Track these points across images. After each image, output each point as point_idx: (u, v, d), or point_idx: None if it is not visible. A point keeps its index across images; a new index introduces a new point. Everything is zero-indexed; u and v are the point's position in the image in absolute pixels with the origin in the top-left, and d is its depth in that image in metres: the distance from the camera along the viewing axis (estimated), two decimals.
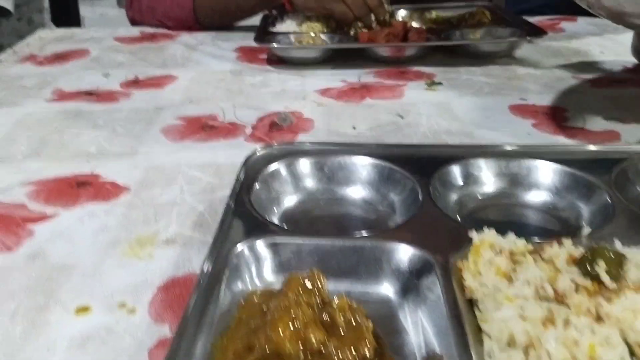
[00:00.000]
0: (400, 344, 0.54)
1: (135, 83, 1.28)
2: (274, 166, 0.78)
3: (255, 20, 1.62)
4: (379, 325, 0.55)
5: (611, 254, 0.54)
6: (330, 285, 0.58)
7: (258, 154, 0.80)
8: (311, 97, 1.19)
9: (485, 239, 0.59)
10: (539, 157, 0.78)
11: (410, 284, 0.60)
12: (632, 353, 0.45)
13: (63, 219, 0.77)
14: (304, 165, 0.79)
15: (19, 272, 0.67)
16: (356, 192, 0.78)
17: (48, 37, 1.66)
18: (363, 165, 0.79)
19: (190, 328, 0.50)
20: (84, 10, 2.72)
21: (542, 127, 1.02)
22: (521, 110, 1.10)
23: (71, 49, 1.53)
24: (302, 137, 1.02)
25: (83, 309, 0.61)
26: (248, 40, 1.45)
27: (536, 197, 0.76)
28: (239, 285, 0.59)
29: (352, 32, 1.42)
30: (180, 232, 0.74)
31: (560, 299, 0.52)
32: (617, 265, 0.54)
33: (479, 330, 0.52)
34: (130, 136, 1.02)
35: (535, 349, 0.47)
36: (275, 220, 0.72)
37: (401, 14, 1.59)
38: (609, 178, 0.73)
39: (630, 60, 1.33)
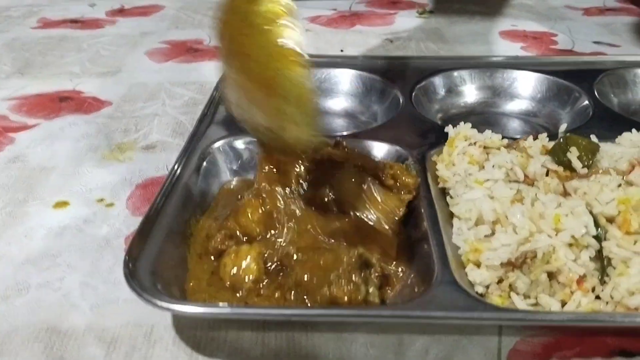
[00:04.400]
0: None
1: (121, 12, 1.26)
2: None
3: None
4: None
5: (584, 141, 0.54)
6: None
7: None
8: (300, 22, 1.17)
9: (460, 131, 0.59)
10: (522, 68, 0.77)
11: None
12: (596, 223, 0.45)
13: (44, 128, 0.77)
14: None
15: None
16: (339, 103, 0.78)
17: None
18: (346, 76, 0.79)
19: (165, 206, 0.50)
20: None
21: (531, 49, 1.01)
22: (511, 35, 1.08)
23: None
24: None
25: (61, 204, 0.62)
26: None
27: (517, 105, 0.76)
28: (217, 178, 0.60)
29: None
30: (160, 139, 0.74)
31: (530, 182, 0.52)
32: (589, 152, 0.54)
33: (451, 218, 0.53)
34: (114, 58, 1.01)
35: (502, 224, 0.48)
36: None
37: None
38: (590, 85, 0.73)
39: None
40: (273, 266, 0.46)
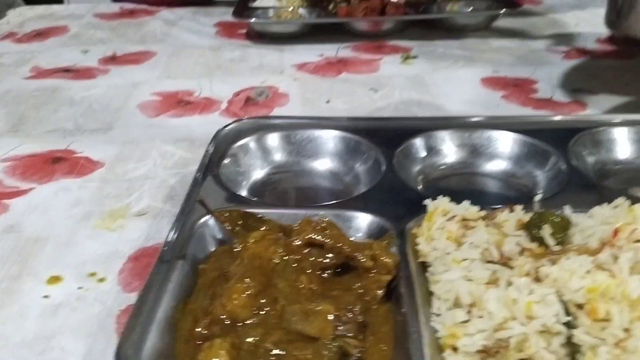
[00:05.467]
0: None
1: (113, 59, 1.29)
2: (243, 140, 0.80)
3: None
4: None
5: (557, 218, 0.57)
6: None
7: (228, 128, 0.82)
8: (288, 71, 1.20)
9: (439, 205, 0.61)
10: (500, 128, 0.80)
11: None
12: (566, 311, 0.48)
13: (38, 194, 0.79)
14: (273, 139, 0.81)
15: None
16: (323, 164, 0.81)
17: (28, 15, 1.65)
18: (330, 138, 0.81)
19: (152, 294, 0.52)
20: None
21: (511, 99, 1.04)
22: (492, 82, 1.11)
23: (50, 26, 1.53)
24: (276, 112, 1.03)
25: (55, 279, 0.64)
26: (228, 15, 1.46)
27: (496, 166, 0.78)
28: (204, 251, 0.62)
29: (331, 7, 1.42)
30: (151, 204, 0.76)
31: (505, 261, 0.54)
32: (562, 229, 0.57)
33: (430, 295, 0.55)
34: (107, 112, 1.03)
35: (478, 307, 0.50)
36: (244, 193, 0.74)
37: None
38: (566, 147, 0.75)
39: (604, 31, 1.34)
40: None
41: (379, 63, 1.23)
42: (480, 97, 1.05)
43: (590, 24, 1.43)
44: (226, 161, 0.76)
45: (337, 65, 1.22)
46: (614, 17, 1.16)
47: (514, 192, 0.74)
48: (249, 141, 0.80)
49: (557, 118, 0.84)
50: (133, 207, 0.76)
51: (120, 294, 0.61)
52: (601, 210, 0.59)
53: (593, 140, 0.78)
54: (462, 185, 0.76)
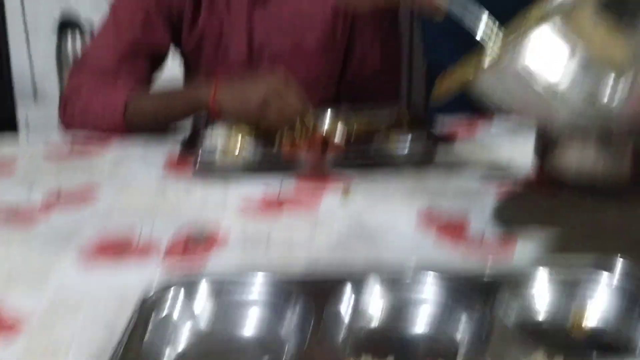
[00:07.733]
0: None
1: (57, 201, 1.28)
2: (167, 310, 0.80)
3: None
4: None
5: None
6: None
7: (151, 299, 0.81)
8: (231, 208, 1.23)
9: None
10: (425, 279, 0.82)
11: None
12: None
13: None
14: (198, 306, 0.81)
15: None
16: (249, 329, 0.81)
17: None
18: (257, 300, 0.82)
19: None
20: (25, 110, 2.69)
21: (445, 238, 1.07)
22: (427, 219, 1.15)
23: None
24: (216, 253, 1.05)
25: None
26: (177, 147, 1.52)
27: (421, 318, 0.80)
28: None
29: (275, 149, 1.46)
30: None
31: None
32: None
33: None
34: (42, 261, 1.02)
35: None
36: None
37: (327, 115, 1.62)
38: (490, 299, 0.77)
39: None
40: None
41: (320, 200, 1.26)
42: (415, 236, 1.09)
43: (525, 154, 1.46)
44: (148, 333, 0.75)
45: (278, 202, 1.25)
46: (540, 161, 1.25)
47: (439, 346, 0.76)
48: (174, 311, 0.80)
49: (477, 270, 0.87)
50: None
51: None
52: None
53: (517, 291, 0.81)
54: (386, 341, 0.77)
